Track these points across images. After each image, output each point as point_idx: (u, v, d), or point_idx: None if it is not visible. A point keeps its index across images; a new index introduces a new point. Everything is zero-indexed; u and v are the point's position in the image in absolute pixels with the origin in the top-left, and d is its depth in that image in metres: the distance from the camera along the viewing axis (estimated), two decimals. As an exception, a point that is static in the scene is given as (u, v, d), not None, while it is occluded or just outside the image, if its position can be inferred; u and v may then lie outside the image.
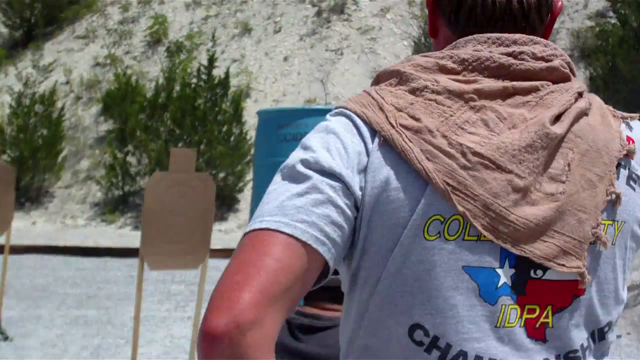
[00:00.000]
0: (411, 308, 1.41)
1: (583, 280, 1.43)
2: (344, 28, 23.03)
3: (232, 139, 18.99)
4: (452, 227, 1.39)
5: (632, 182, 1.50)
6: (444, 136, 1.40)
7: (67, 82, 24.80)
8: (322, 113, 7.02)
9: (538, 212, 1.40)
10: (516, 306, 1.42)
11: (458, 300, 1.40)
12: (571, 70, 1.54)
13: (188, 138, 18.58)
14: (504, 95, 1.45)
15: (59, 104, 23.82)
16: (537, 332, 1.43)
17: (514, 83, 1.46)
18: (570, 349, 1.44)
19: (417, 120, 1.42)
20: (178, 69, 21.44)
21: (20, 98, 20.64)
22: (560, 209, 1.42)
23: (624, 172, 1.49)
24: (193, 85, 19.00)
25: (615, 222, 1.47)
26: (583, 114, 1.48)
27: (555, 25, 25.84)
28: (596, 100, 1.54)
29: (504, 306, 1.41)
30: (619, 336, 9.43)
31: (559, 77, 1.50)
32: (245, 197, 19.88)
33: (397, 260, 1.41)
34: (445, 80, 1.46)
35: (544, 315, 1.43)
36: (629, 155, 1.50)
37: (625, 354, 8.87)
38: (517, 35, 1.50)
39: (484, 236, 1.40)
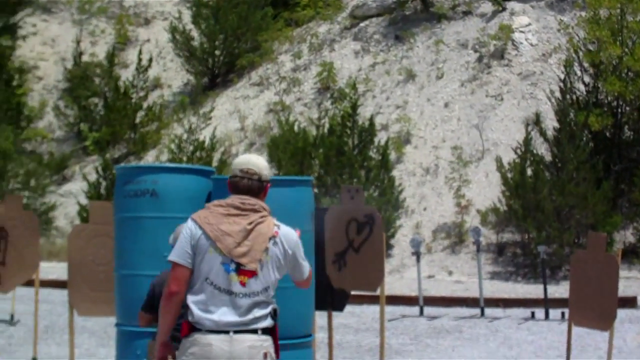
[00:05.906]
0: (205, 272, 4.46)
1: (256, 270, 4.46)
2: (505, 73, 22.63)
3: (385, 183, 19.10)
4: (217, 250, 4.47)
5: (273, 244, 4.50)
6: (215, 224, 4.47)
7: (242, 129, 25.72)
8: (167, 171, 7.25)
9: (244, 250, 4.44)
10: (237, 275, 4.42)
11: (218, 271, 4.43)
12: (265, 209, 4.54)
13: (335, 183, 18.79)
14: (235, 215, 4.49)
15: (233, 150, 24.78)
16: (243, 284, 4.42)
17: (239, 212, 4.49)
18: (252, 291, 4.43)
19: (208, 219, 4.51)
20: (339, 115, 21.70)
21: (181, 144, 21.60)
22: (250, 248, 4.45)
23: (272, 240, 4.50)
24: (338, 132, 19.24)
25: (268, 256, 4.49)
26: (260, 222, 4.49)
27: None
28: (269, 219, 4.54)
29: (232, 275, 4.41)
30: None
31: (255, 210, 4.50)
32: (398, 242, 19.89)
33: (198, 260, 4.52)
34: (217, 209, 4.52)
35: (245, 279, 4.41)
36: (274, 235, 4.51)
37: None
38: (246, 196, 4.53)
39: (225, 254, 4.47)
